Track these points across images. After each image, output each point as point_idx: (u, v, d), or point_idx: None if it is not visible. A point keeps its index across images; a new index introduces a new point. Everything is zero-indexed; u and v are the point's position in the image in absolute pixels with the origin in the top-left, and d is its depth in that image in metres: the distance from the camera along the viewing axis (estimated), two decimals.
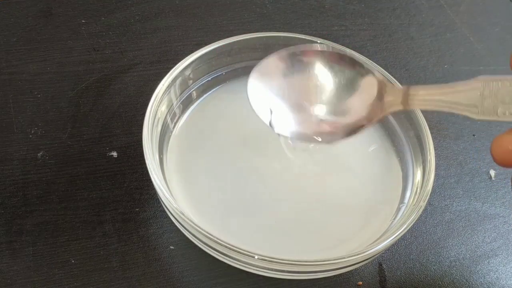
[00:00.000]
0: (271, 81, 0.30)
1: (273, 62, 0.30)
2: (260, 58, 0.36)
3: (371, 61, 0.35)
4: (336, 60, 0.29)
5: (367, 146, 0.35)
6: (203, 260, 0.31)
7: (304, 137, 0.29)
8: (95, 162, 0.35)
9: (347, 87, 0.29)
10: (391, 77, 0.34)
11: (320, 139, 0.29)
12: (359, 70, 0.28)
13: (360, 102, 0.28)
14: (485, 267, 0.33)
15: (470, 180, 0.38)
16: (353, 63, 0.29)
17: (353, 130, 0.28)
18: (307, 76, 0.29)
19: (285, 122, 0.29)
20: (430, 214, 0.35)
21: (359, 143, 0.35)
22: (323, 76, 0.29)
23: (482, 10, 0.52)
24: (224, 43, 0.34)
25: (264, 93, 0.29)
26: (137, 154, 0.35)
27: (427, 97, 0.25)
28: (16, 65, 0.39)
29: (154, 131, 0.30)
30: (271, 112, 0.29)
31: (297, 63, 0.29)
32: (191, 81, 0.34)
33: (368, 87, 0.28)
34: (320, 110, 0.29)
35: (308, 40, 0.35)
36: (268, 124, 0.29)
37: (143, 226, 0.32)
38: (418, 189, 0.31)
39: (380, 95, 0.27)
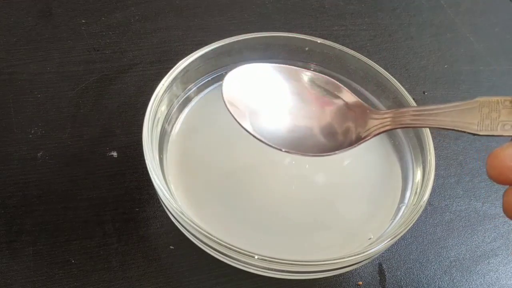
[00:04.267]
0: (249, 87, 0.29)
1: (252, 69, 0.29)
2: (260, 58, 0.36)
3: (372, 62, 0.35)
4: (319, 81, 0.29)
5: (367, 146, 0.35)
6: (203, 260, 0.31)
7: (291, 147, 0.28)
8: (95, 162, 0.35)
9: (332, 109, 0.29)
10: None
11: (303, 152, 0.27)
12: (344, 95, 0.29)
13: (342, 124, 0.28)
14: (485, 267, 0.33)
15: (470, 180, 0.38)
16: (338, 88, 0.29)
17: (335, 148, 0.28)
18: (289, 89, 0.29)
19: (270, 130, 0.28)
20: (430, 214, 0.35)
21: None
22: (305, 93, 0.29)
23: (482, 10, 0.52)
24: (224, 43, 0.34)
25: (243, 98, 0.28)
26: (137, 154, 0.35)
27: (419, 114, 0.25)
28: (16, 65, 0.39)
29: (154, 131, 0.30)
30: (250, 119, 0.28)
31: (280, 75, 0.29)
32: (191, 81, 0.34)
33: (352, 110, 0.28)
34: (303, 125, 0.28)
35: (308, 40, 0.35)
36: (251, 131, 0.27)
37: (143, 226, 0.32)
38: (418, 189, 0.31)
39: (365, 118, 0.27)
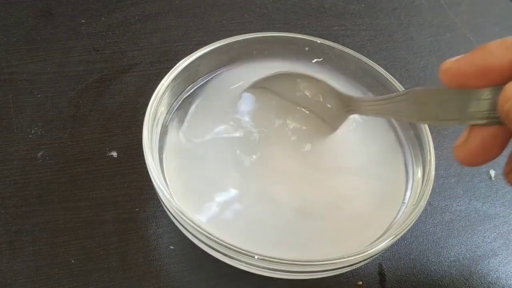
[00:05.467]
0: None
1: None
2: (260, 58, 0.36)
3: (372, 62, 0.35)
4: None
5: (368, 146, 0.35)
6: (203, 260, 0.31)
7: None
8: (95, 162, 0.35)
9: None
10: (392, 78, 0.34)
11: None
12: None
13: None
14: (485, 267, 0.33)
15: (470, 180, 0.38)
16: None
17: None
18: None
19: None
20: (430, 214, 0.35)
21: (360, 144, 0.35)
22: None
23: (482, 10, 0.52)
24: (224, 43, 0.34)
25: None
26: (137, 154, 0.35)
27: (371, 106, 0.29)
28: (16, 65, 0.39)
29: (154, 131, 0.30)
30: None
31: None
32: (191, 81, 0.34)
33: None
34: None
35: (308, 40, 0.35)
36: None
37: (143, 226, 0.32)
38: (418, 189, 0.31)
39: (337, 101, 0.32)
